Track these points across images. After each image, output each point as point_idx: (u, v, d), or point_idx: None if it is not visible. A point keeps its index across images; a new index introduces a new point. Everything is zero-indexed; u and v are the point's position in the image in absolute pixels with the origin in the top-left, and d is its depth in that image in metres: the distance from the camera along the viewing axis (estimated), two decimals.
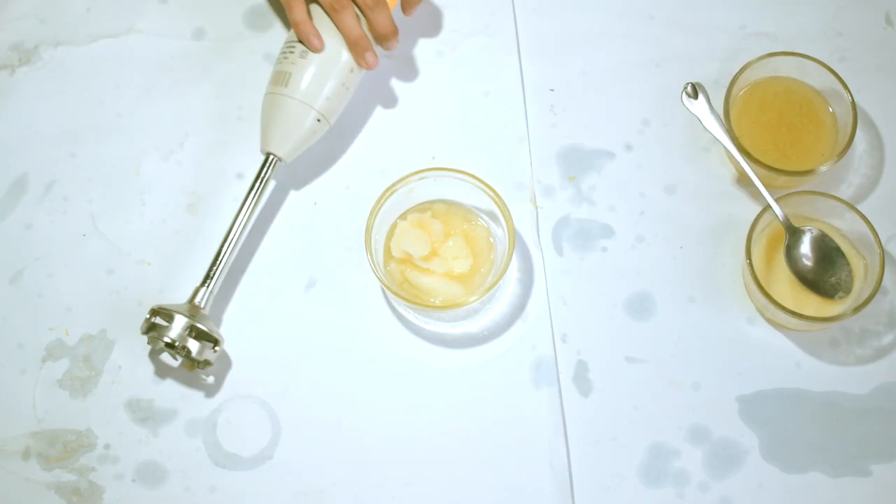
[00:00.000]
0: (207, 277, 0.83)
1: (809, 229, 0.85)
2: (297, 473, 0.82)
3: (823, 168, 0.86)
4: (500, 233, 0.86)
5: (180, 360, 0.82)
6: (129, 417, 0.84)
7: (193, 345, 0.80)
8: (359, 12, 0.86)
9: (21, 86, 0.94)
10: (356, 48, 0.85)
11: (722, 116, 0.87)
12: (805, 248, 0.85)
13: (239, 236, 0.84)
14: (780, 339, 0.85)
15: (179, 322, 0.80)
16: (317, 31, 0.85)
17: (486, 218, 0.87)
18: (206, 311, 0.83)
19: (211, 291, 0.83)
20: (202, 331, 0.80)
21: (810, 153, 0.88)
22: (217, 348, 0.81)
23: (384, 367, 0.85)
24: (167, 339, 0.79)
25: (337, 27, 0.85)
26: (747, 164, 0.86)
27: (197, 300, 0.82)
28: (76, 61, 0.95)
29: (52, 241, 0.89)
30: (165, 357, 0.84)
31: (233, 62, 0.95)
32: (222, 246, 0.84)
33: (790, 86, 0.90)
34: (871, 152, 0.91)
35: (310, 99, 0.85)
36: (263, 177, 0.85)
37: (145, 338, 0.85)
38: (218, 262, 0.83)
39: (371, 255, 0.83)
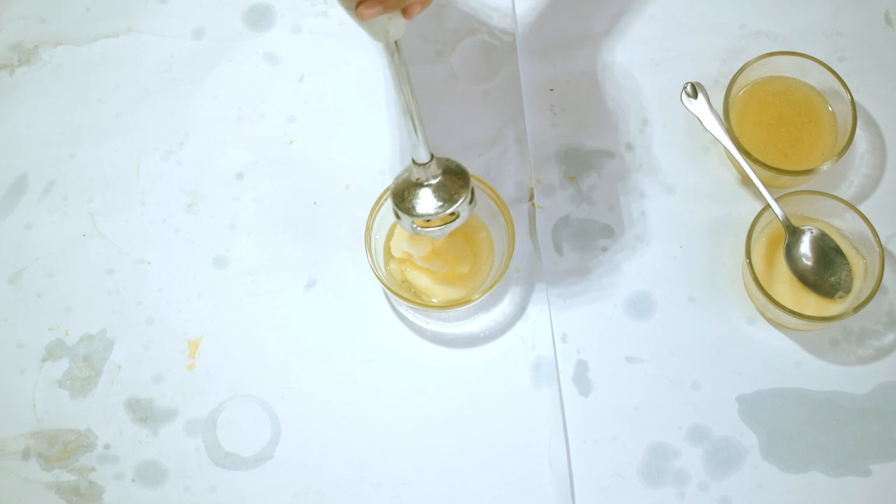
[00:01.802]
0: (415, 136, 0.76)
1: (809, 229, 0.85)
2: (297, 473, 0.82)
3: (823, 168, 0.86)
4: (500, 233, 0.86)
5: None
6: (128, 417, 0.84)
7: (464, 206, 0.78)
8: None
9: (21, 86, 0.94)
10: None
11: (722, 116, 0.87)
12: (805, 247, 0.85)
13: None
14: (780, 339, 0.85)
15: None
16: None
17: (486, 218, 0.87)
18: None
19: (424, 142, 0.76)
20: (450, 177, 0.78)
21: (810, 153, 0.88)
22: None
23: (384, 367, 0.85)
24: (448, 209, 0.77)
25: None
26: (747, 164, 0.86)
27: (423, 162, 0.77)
28: (76, 61, 0.95)
29: (52, 241, 0.89)
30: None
31: (233, 62, 0.95)
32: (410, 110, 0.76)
33: (790, 85, 0.90)
34: (872, 151, 0.91)
35: None
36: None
37: (145, 337, 0.86)
38: (413, 121, 0.76)
39: (371, 255, 0.83)
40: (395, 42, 0.71)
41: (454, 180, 0.78)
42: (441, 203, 0.77)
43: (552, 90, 0.93)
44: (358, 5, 0.68)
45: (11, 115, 0.93)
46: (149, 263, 0.88)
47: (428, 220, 0.78)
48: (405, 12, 0.70)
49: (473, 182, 0.85)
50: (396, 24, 0.69)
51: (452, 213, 0.78)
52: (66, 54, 0.95)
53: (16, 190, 0.91)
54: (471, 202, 0.79)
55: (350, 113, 0.92)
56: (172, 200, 0.90)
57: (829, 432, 0.82)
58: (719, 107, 0.89)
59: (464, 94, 0.93)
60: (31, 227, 0.90)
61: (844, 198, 0.85)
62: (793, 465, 0.81)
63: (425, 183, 0.78)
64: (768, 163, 0.86)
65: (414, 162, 0.77)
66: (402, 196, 0.78)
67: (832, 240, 0.85)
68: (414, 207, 0.78)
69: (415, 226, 0.79)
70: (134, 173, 0.92)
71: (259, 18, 0.97)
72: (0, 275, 0.88)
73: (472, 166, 0.88)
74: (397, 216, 0.79)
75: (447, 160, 0.80)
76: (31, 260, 0.89)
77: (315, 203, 0.90)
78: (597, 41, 0.95)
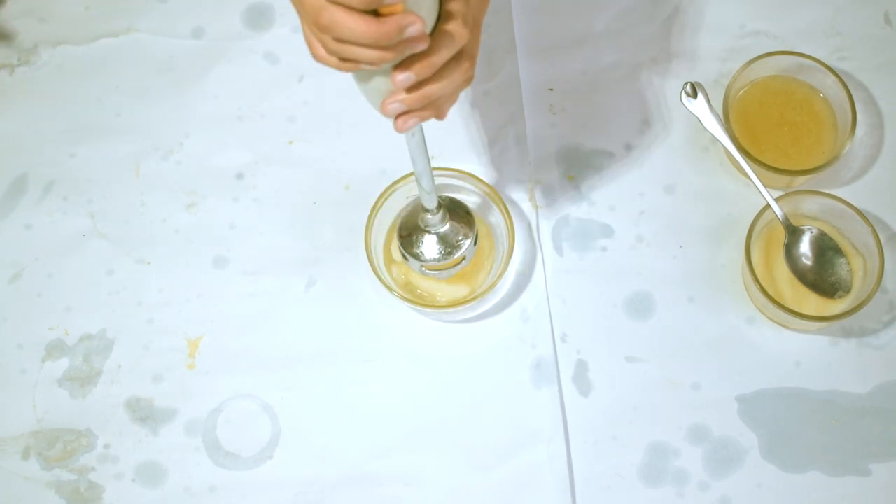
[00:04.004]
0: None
1: (809, 229, 0.85)
2: (297, 473, 0.82)
3: (823, 168, 0.86)
4: (500, 233, 0.86)
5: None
6: (128, 417, 0.84)
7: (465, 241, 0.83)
8: None
9: (21, 86, 0.94)
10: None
11: (722, 116, 0.87)
12: (805, 247, 0.85)
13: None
14: (780, 339, 0.85)
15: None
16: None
17: (486, 218, 0.87)
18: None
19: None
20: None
21: (810, 152, 0.88)
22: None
23: (384, 367, 0.85)
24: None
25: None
26: (747, 163, 0.86)
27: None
28: (76, 61, 0.95)
29: (52, 241, 0.89)
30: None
31: (233, 62, 0.95)
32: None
33: (790, 85, 0.90)
34: (872, 151, 0.91)
35: None
36: None
37: (145, 337, 0.86)
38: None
39: (371, 256, 0.83)
40: None
41: (460, 224, 0.83)
42: (449, 250, 0.82)
43: (552, 90, 0.93)
44: (396, 119, 0.64)
45: (11, 115, 0.93)
46: (149, 263, 0.88)
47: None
48: (438, 115, 0.66)
49: (474, 183, 0.85)
50: None
51: (460, 257, 0.82)
52: (66, 54, 0.95)
53: (16, 190, 0.91)
54: (475, 243, 0.83)
55: (350, 113, 0.92)
56: (172, 200, 0.90)
57: (829, 432, 0.82)
58: (719, 107, 0.89)
59: (464, 94, 0.93)
60: (31, 227, 0.90)
61: (844, 197, 0.85)
62: (793, 465, 0.81)
63: (433, 231, 0.81)
64: (768, 163, 0.86)
65: (423, 208, 0.80)
66: (411, 241, 0.82)
67: (832, 239, 0.85)
68: (422, 254, 0.82)
69: (423, 269, 0.82)
70: (134, 173, 0.92)
71: (259, 18, 0.97)
72: (0, 275, 0.88)
73: (472, 166, 0.88)
74: (404, 258, 0.83)
75: (451, 200, 0.83)
76: (31, 260, 0.89)
77: (315, 203, 0.90)
78: (597, 41, 0.95)
